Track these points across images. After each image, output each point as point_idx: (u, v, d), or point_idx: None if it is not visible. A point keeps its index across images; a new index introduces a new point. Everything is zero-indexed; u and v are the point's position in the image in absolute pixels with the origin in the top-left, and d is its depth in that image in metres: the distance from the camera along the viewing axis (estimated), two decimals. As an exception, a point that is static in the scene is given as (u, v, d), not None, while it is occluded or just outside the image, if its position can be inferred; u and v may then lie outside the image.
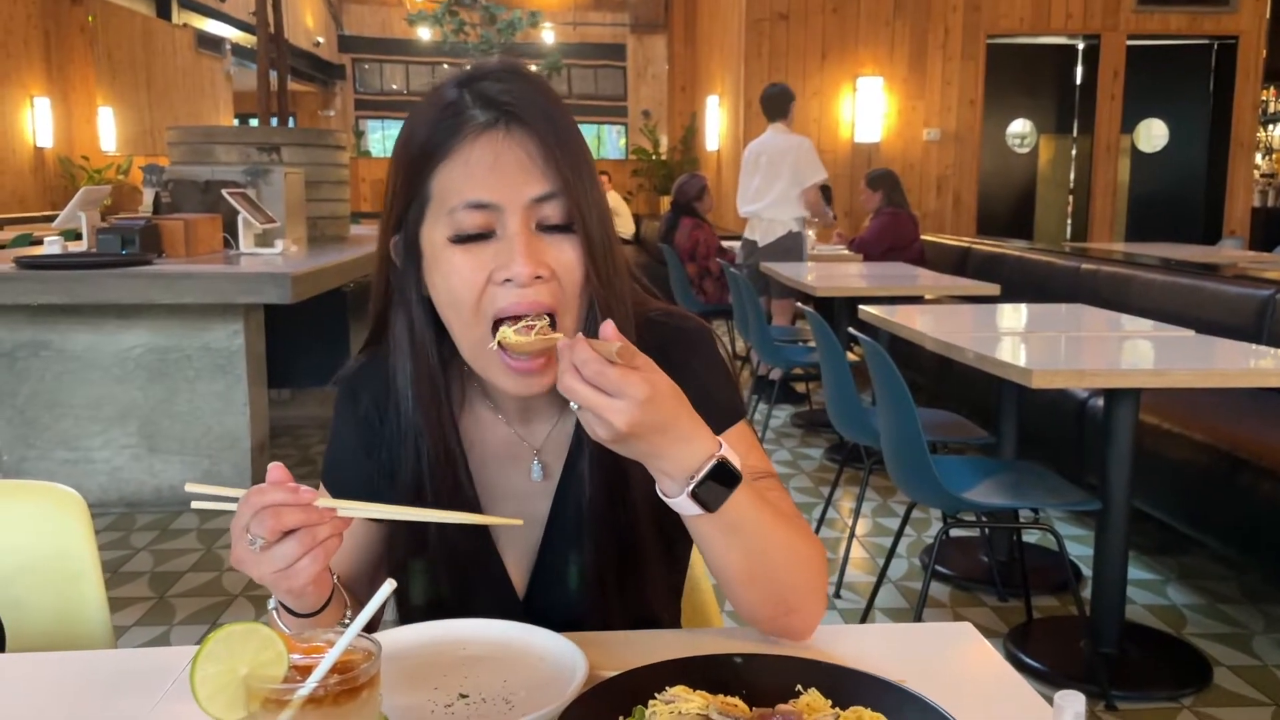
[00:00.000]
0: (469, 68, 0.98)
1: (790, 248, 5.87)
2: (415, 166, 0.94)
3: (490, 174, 0.92)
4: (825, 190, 6.16)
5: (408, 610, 1.10)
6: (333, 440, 1.11)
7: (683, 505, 0.88)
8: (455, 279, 0.94)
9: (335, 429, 1.11)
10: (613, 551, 1.04)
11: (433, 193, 0.94)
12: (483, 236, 0.93)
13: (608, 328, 0.83)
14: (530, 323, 0.92)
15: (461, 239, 0.93)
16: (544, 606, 1.07)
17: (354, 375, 1.10)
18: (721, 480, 0.88)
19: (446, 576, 1.05)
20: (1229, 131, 9.15)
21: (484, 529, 1.06)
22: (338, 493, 1.09)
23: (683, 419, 0.86)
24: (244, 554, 0.84)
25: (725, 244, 6.90)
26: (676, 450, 0.86)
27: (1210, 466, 2.97)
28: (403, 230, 0.98)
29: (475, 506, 1.05)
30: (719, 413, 1.01)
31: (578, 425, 1.04)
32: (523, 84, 0.94)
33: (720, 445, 0.88)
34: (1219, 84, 9.27)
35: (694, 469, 0.87)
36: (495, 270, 0.93)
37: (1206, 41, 9.21)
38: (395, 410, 1.04)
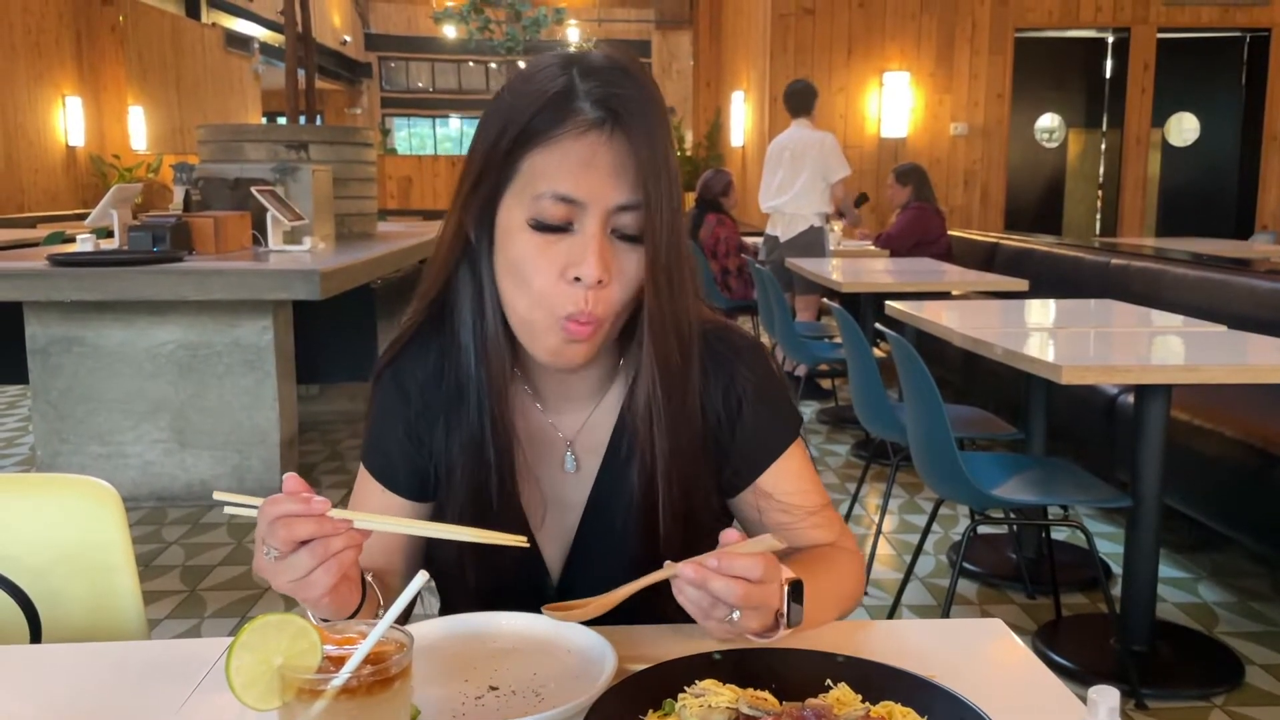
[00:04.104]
0: (577, 55, 0.98)
1: (812, 242, 5.86)
2: (510, 142, 0.95)
3: (584, 171, 0.93)
4: (862, 195, 6.13)
5: (447, 598, 1.11)
6: (376, 422, 1.10)
7: (773, 637, 0.92)
8: (527, 265, 0.95)
9: (379, 410, 1.10)
10: (648, 546, 1.04)
11: (520, 171, 0.95)
12: (561, 229, 0.94)
13: (730, 534, 0.89)
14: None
15: (540, 227, 0.94)
16: (578, 595, 1.07)
17: (399, 355, 1.09)
18: (796, 597, 0.92)
19: (484, 565, 1.05)
20: (1262, 125, 9.03)
21: (521, 519, 1.06)
22: (381, 474, 1.09)
23: None
24: (262, 562, 0.85)
25: (748, 240, 6.89)
26: (774, 595, 0.90)
27: (1243, 463, 2.94)
28: (480, 196, 0.98)
29: (511, 477, 1.05)
30: (782, 428, 1.08)
31: (619, 420, 1.07)
32: (635, 88, 0.95)
33: (779, 570, 0.92)
34: (1251, 77, 9.15)
35: (779, 603, 0.91)
36: (567, 267, 0.94)
37: (1239, 34, 9.09)
38: (455, 371, 1.04)
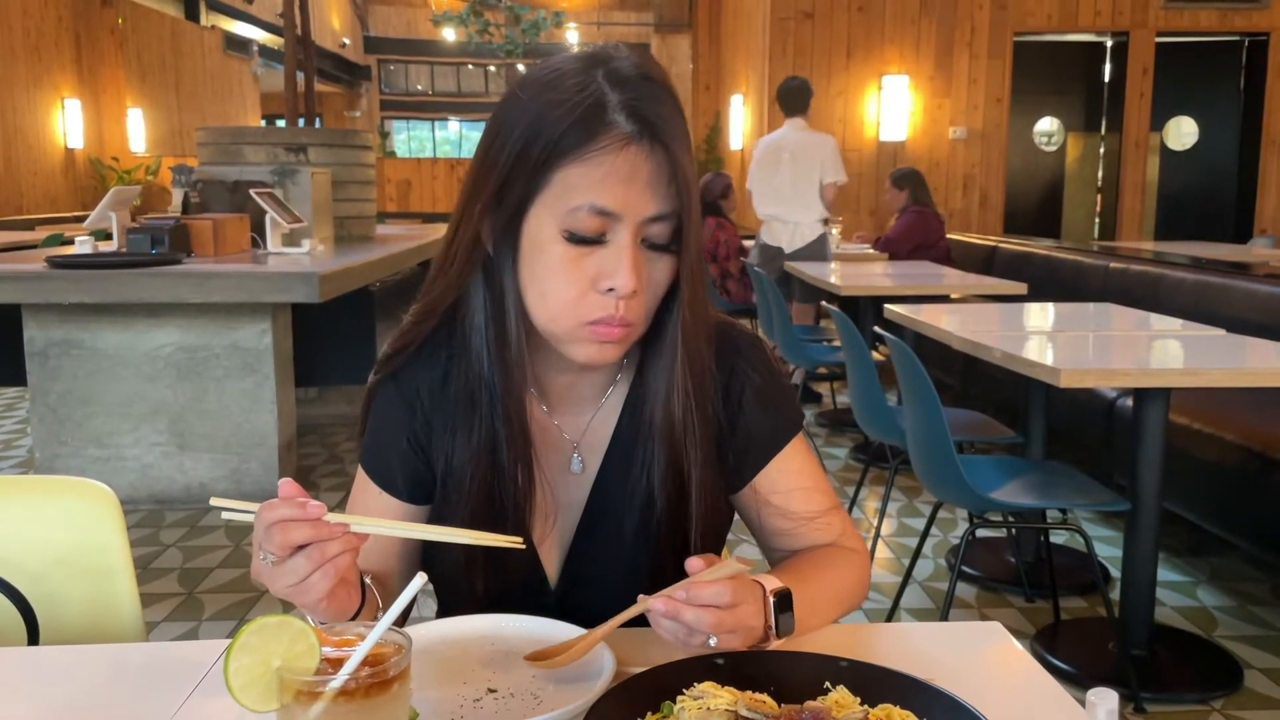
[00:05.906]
0: (599, 56, 0.96)
1: (817, 251, 5.79)
2: (541, 154, 0.93)
3: (623, 185, 0.92)
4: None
5: (445, 600, 1.11)
6: (376, 427, 1.09)
7: (765, 647, 0.93)
8: (558, 276, 0.95)
9: (380, 415, 1.09)
10: (651, 547, 1.05)
11: (552, 183, 0.93)
12: (594, 241, 0.94)
13: (695, 563, 0.88)
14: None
15: (575, 239, 0.94)
16: (576, 598, 1.08)
17: (402, 361, 1.07)
18: (785, 606, 0.93)
19: (481, 567, 1.05)
20: (1260, 129, 9.04)
21: (521, 520, 1.05)
22: (381, 478, 1.09)
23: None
24: (260, 567, 0.86)
25: (747, 243, 6.88)
26: (750, 615, 0.90)
27: (1241, 467, 2.94)
28: (506, 206, 0.96)
29: (528, 481, 1.04)
30: (781, 425, 1.09)
31: (620, 420, 1.07)
32: (665, 97, 0.95)
33: (761, 586, 0.93)
34: (1250, 81, 9.16)
35: (758, 621, 0.91)
36: (599, 278, 0.94)
37: (1237, 38, 9.11)
38: (465, 377, 1.03)
